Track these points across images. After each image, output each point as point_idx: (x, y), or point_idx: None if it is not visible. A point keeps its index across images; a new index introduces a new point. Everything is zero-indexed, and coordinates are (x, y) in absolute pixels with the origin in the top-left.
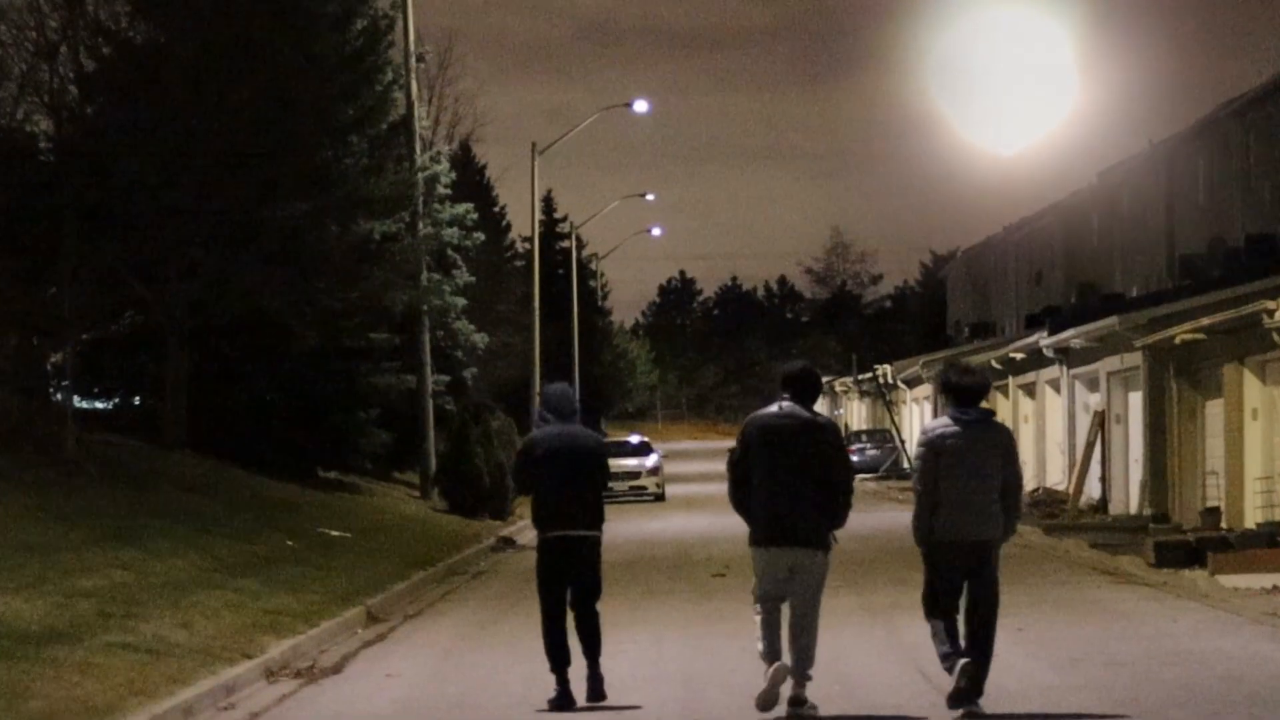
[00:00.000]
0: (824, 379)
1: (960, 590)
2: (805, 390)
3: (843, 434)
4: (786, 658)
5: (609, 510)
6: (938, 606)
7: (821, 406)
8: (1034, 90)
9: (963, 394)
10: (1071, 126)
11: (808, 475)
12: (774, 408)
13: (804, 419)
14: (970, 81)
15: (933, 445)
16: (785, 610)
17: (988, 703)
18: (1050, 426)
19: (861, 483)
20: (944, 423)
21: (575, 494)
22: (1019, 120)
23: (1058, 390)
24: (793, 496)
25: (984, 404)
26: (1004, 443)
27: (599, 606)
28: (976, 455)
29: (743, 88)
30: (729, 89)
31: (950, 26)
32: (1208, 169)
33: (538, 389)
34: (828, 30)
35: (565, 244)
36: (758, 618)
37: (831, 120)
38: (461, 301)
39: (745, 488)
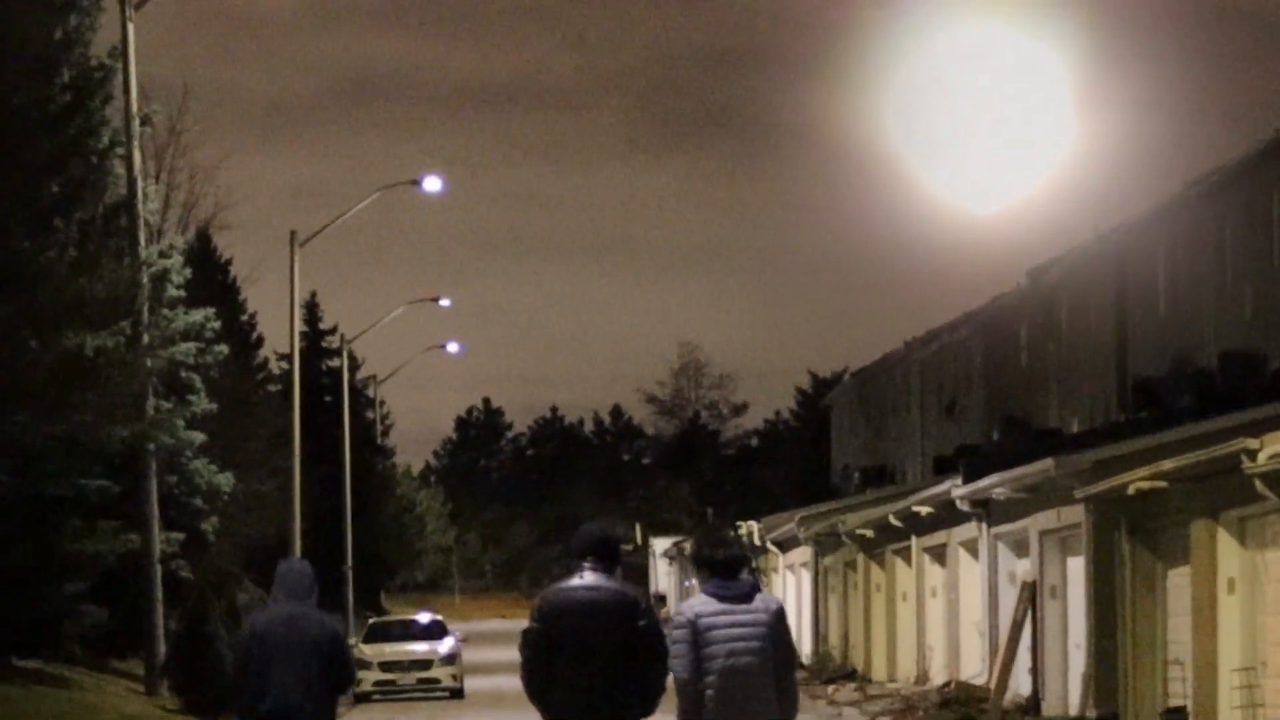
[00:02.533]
0: (672, 539)
1: None
2: (609, 557)
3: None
4: None
5: (392, 709)
6: None
7: (668, 576)
8: (1016, 141)
9: (720, 567)
10: (1064, 182)
11: (617, 660)
12: (576, 579)
13: (612, 592)
14: (924, 133)
15: (693, 627)
16: None
17: None
18: (966, 602)
19: None
20: (703, 600)
21: (298, 695)
22: (1000, 173)
23: (975, 555)
24: (603, 685)
25: (746, 575)
26: (773, 618)
27: None
28: (744, 634)
29: (563, 159)
30: (544, 161)
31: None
32: (1170, 267)
33: (298, 551)
34: (679, 84)
35: (335, 363)
36: None
37: (685, 201)
38: (199, 436)
39: (543, 675)
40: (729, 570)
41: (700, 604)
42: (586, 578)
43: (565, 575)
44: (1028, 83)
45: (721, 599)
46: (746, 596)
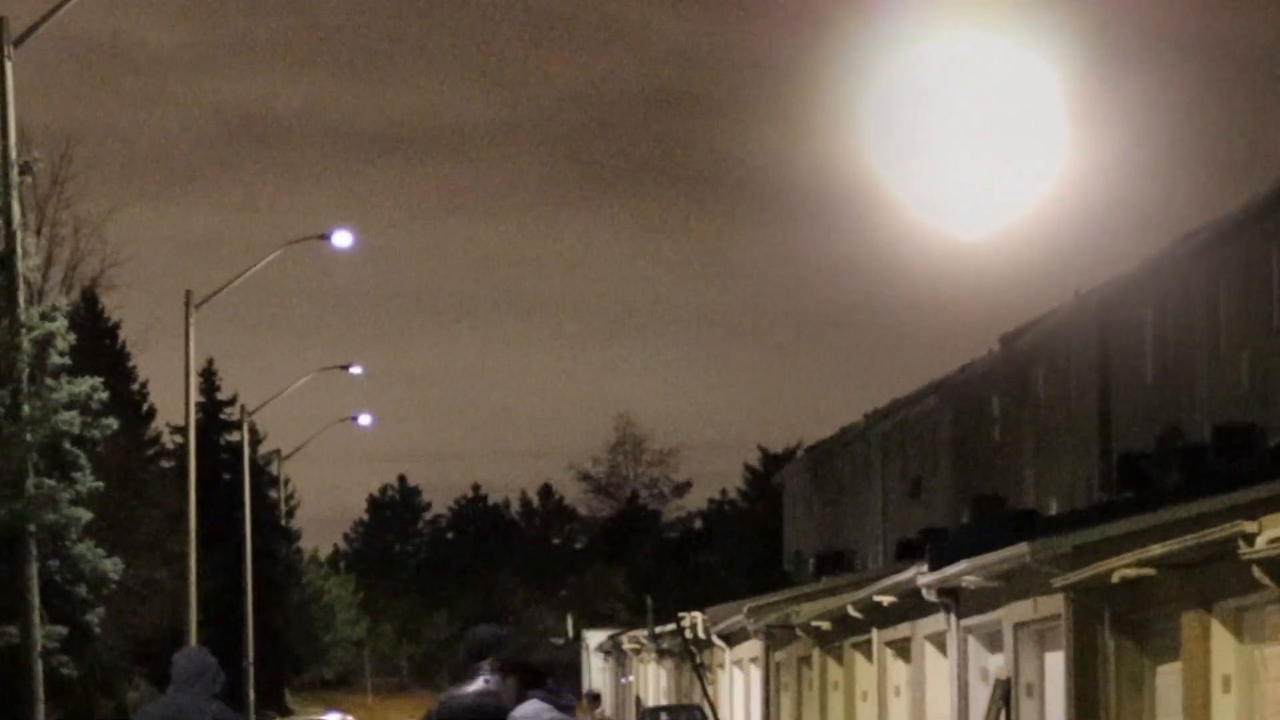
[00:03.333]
0: (607, 631)
1: None
2: (531, 673)
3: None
4: None
5: None
6: None
7: (602, 673)
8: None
9: (532, 673)
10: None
11: None
12: (477, 684)
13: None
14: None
15: None
16: None
17: None
18: (933, 701)
19: None
20: (540, 708)
21: None
22: (988, 195)
23: (943, 649)
24: None
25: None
26: None
27: None
28: None
29: (485, 211)
30: (464, 213)
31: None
32: (1158, 332)
33: (195, 643)
34: (612, 128)
35: (235, 436)
36: None
37: (621, 257)
38: (85, 515)
39: None
40: (543, 675)
41: (534, 710)
42: (489, 681)
43: (459, 680)
44: (1017, 98)
45: (561, 707)
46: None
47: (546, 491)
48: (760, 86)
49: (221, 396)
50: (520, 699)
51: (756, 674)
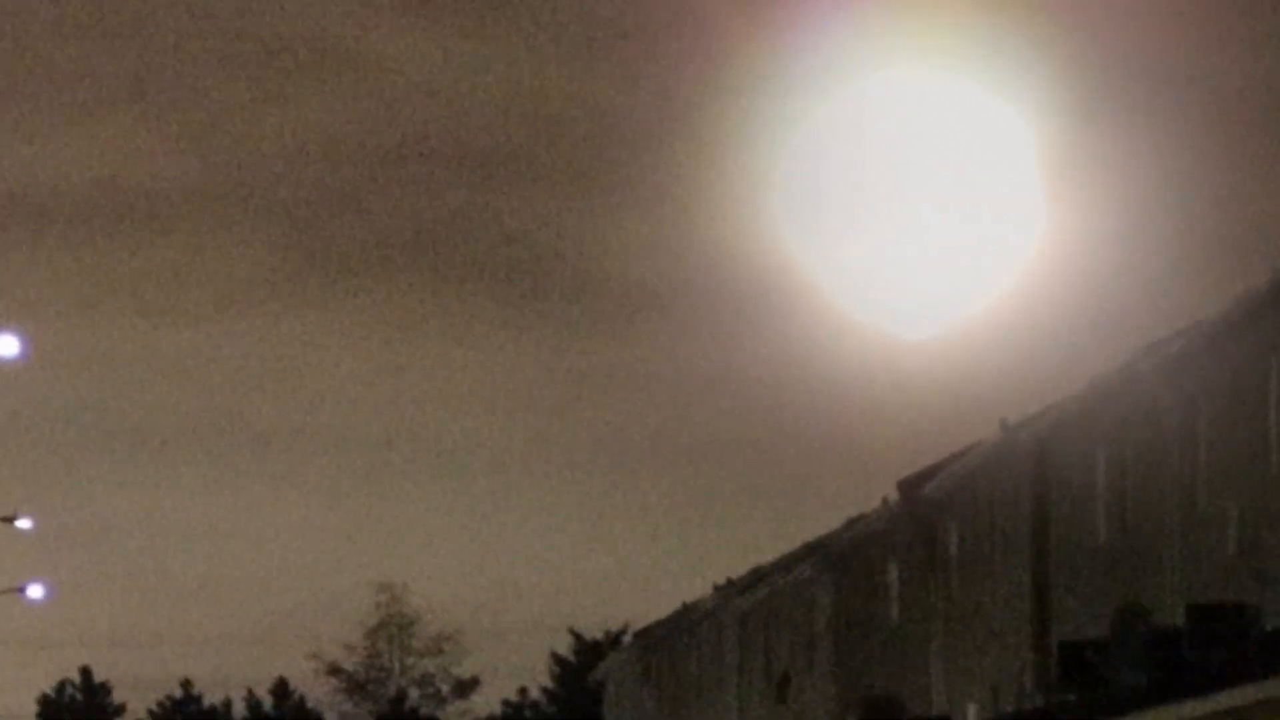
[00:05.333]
0: None
1: None
2: None
3: None
4: None
5: None
6: None
7: None
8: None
9: None
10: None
11: None
12: None
13: None
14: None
15: None
16: None
17: None
18: None
19: None
20: None
21: None
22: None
23: None
24: None
25: None
26: None
27: None
28: None
29: (183, 309)
30: (159, 312)
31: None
32: (1114, 474)
33: None
34: (353, 200)
35: None
36: None
37: (385, 372)
38: None
39: None
40: None
41: None
42: None
43: None
44: (983, 163)
45: None
46: None
47: (282, 689)
48: (595, 143)
49: None
50: None
51: None
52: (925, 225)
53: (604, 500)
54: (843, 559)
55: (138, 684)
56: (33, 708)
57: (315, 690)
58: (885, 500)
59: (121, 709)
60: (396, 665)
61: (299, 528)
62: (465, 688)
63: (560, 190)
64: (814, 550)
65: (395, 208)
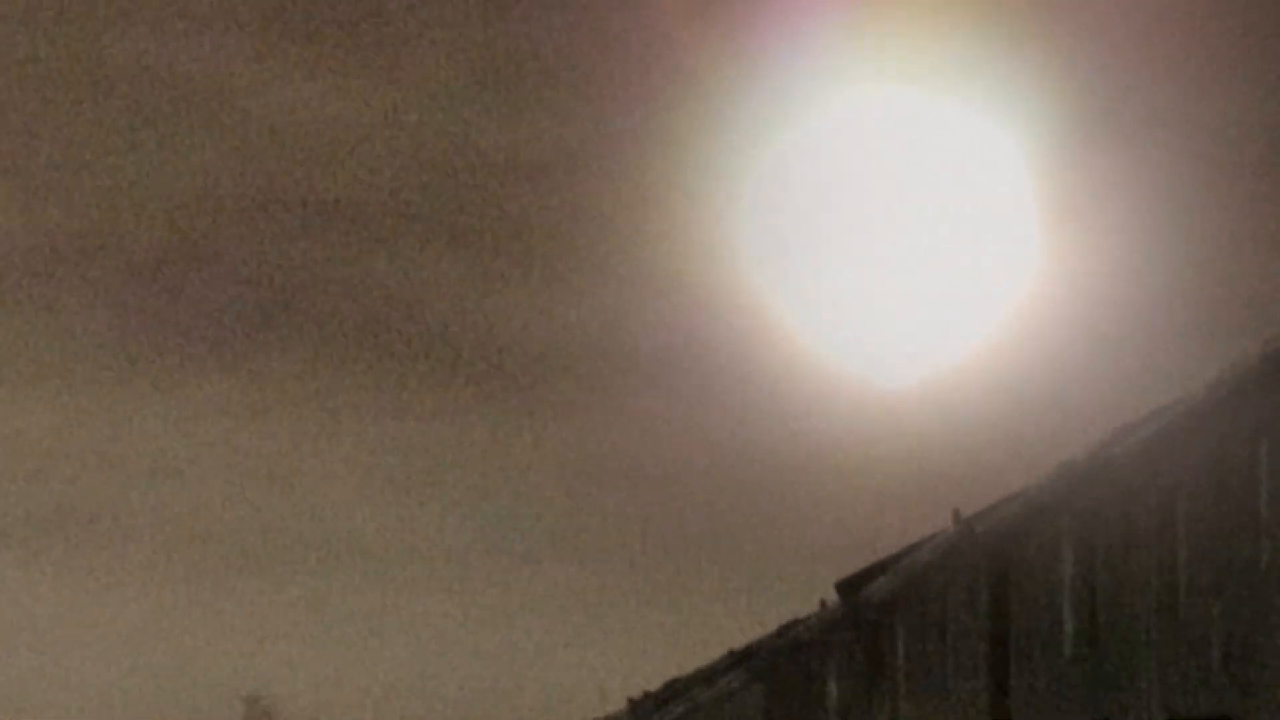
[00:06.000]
0: None
1: None
2: None
3: None
4: None
5: None
6: None
7: None
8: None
9: None
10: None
11: None
12: None
13: None
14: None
15: None
16: None
17: None
18: None
19: None
20: None
21: None
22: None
23: None
24: None
25: None
26: None
27: None
28: None
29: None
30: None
31: None
32: (1081, 576)
33: None
34: (210, 249)
35: None
36: None
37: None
38: None
39: None
40: None
41: None
42: None
43: None
44: (971, 200)
45: None
46: None
47: None
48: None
49: None
50: None
51: None
52: (896, 295)
53: (496, 600)
54: (774, 669)
55: None
56: None
57: None
58: (823, 603)
59: None
60: None
61: (153, 626)
62: None
63: (458, 248)
64: (741, 659)
65: (260, 265)
